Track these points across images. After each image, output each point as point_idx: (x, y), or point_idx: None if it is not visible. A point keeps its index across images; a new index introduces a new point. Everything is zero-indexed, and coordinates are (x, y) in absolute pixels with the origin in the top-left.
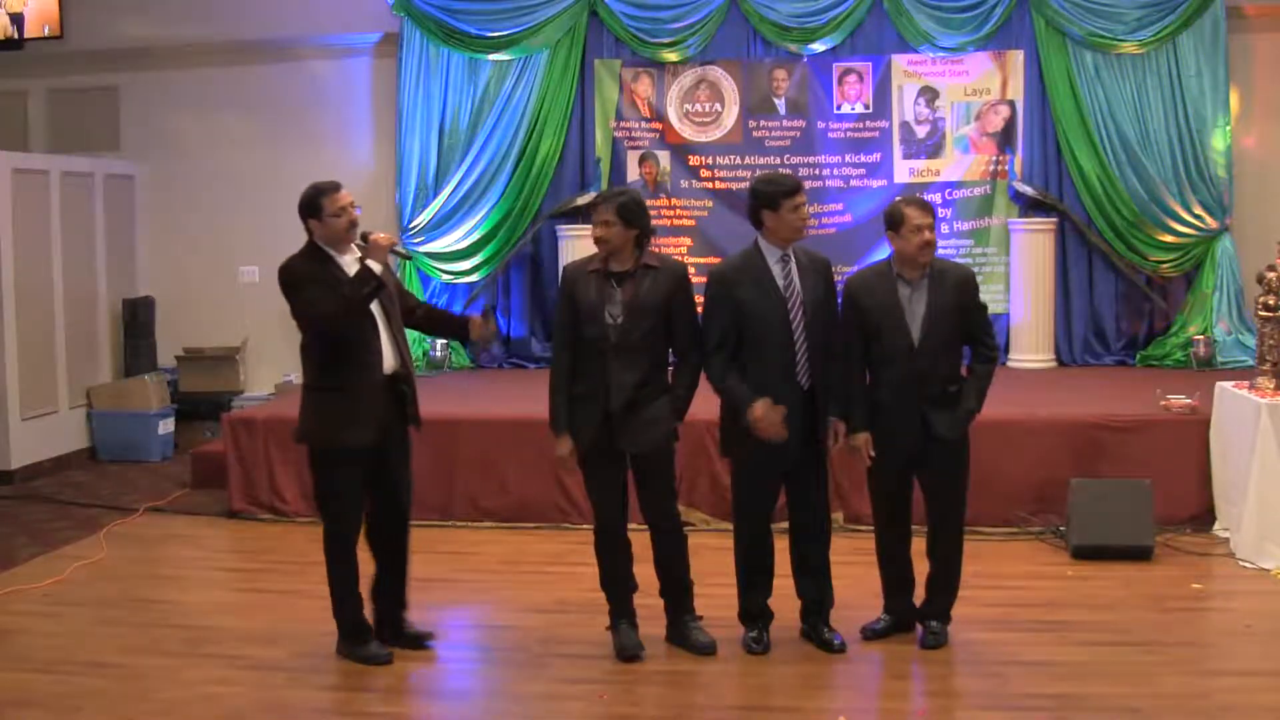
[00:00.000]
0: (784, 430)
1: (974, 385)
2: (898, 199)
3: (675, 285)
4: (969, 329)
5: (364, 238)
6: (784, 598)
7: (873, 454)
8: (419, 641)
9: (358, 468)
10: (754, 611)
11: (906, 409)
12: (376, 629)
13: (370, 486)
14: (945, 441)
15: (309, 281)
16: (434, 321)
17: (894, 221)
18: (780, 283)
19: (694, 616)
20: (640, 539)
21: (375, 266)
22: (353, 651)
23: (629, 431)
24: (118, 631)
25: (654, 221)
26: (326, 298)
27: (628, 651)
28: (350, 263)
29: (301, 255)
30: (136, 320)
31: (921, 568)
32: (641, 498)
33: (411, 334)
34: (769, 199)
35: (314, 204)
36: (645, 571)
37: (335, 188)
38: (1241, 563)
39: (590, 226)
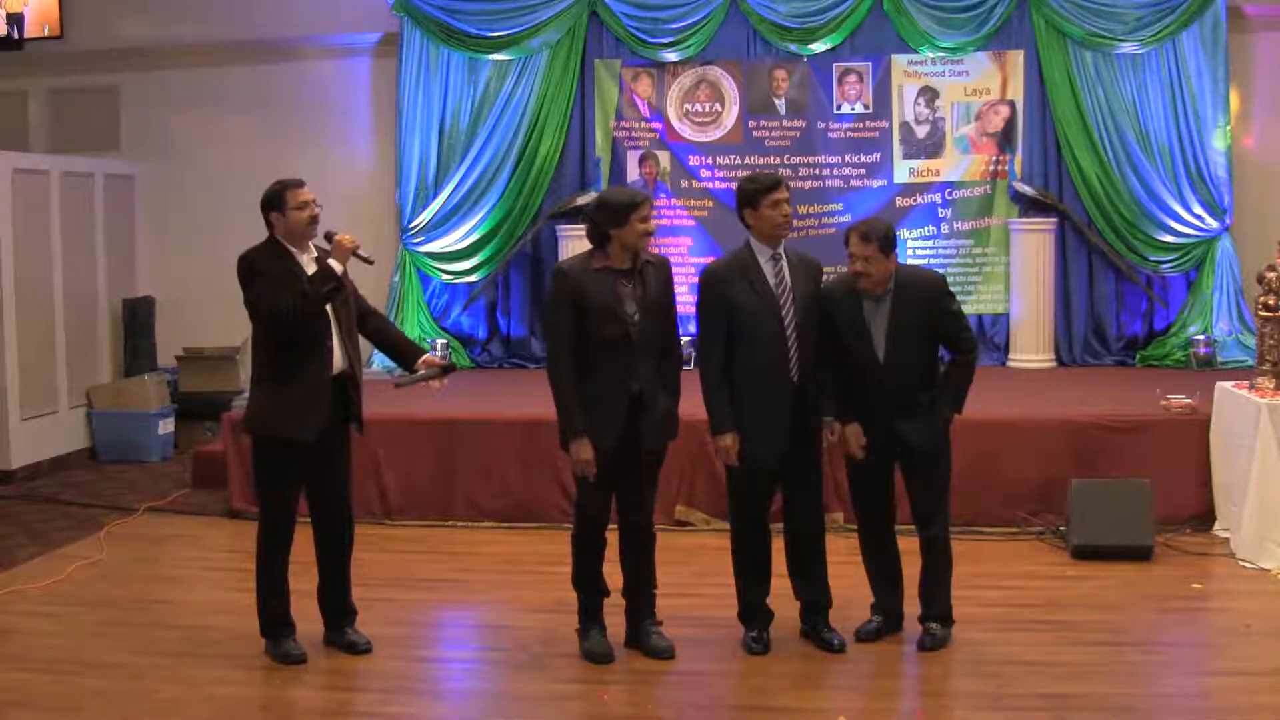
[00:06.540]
0: (735, 460)
1: (948, 391)
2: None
3: (669, 280)
4: (941, 337)
5: (328, 237)
6: (784, 598)
7: (864, 442)
8: (354, 649)
9: (297, 463)
10: (753, 611)
11: (878, 418)
12: (325, 631)
13: (311, 486)
14: (919, 449)
15: (267, 275)
16: (384, 339)
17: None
18: (771, 280)
19: (655, 621)
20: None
21: (336, 266)
22: (269, 647)
23: (648, 429)
24: (118, 631)
25: (654, 222)
26: (283, 293)
27: (601, 659)
28: (308, 261)
29: (262, 248)
30: (136, 320)
31: (913, 569)
32: (629, 498)
33: (413, 334)
34: (749, 197)
35: (278, 197)
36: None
37: (299, 183)
38: (1241, 563)
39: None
